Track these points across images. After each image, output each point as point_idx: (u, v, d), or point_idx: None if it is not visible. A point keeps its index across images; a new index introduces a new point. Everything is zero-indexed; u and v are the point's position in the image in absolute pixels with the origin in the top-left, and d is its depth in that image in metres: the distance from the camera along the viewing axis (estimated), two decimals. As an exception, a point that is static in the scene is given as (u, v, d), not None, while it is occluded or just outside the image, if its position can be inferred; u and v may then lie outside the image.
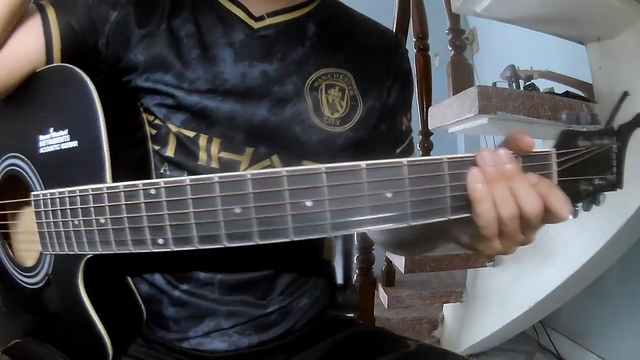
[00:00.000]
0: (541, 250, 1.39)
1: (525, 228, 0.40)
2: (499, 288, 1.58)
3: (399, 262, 1.60)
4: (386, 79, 0.62)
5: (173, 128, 0.55)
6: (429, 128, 1.52)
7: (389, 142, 0.64)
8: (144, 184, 0.39)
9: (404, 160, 0.36)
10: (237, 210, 0.37)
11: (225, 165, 0.55)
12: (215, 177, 0.37)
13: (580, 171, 0.41)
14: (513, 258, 1.53)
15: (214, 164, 0.55)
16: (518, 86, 1.62)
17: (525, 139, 0.39)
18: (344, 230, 0.37)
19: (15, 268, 0.57)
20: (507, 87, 1.63)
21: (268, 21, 0.57)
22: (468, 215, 0.38)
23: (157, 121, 0.56)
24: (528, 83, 1.57)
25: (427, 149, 1.63)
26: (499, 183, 0.37)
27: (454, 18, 1.57)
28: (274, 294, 0.60)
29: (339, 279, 0.86)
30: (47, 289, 0.52)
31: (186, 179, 0.37)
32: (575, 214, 0.44)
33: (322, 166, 0.36)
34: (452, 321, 1.87)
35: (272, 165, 0.56)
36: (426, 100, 1.61)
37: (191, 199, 0.38)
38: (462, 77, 1.54)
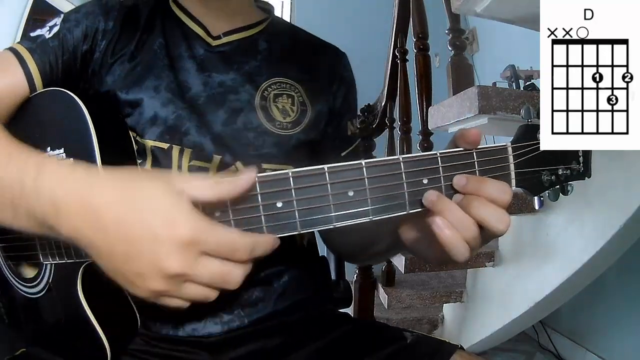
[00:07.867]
0: (541, 250, 1.39)
1: (488, 238, 0.43)
2: (499, 288, 1.58)
3: (399, 262, 1.60)
4: (331, 86, 0.69)
5: (149, 143, 0.59)
6: (429, 128, 1.51)
7: (335, 144, 0.70)
8: None
9: (363, 162, 0.41)
10: (217, 214, 0.41)
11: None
12: None
13: (541, 162, 0.44)
14: (513, 258, 1.53)
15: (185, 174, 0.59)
16: (518, 86, 1.63)
17: (471, 131, 0.41)
18: (312, 227, 0.41)
19: (17, 279, 0.59)
20: (507, 87, 1.63)
21: (225, 39, 0.65)
22: (425, 209, 0.42)
23: (138, 137, 0.60)
24: (528, 83, 1.57)
25: (426, 148, 1.60)
26: (459, 211, 0.41)
27: (454, 18, 1.56)
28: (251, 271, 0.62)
29: (332, 275, 0.87)
30: (48, 297, 0.55)
31: None
32: (540, 203, 0.45)
33: (289, 171, 0.40)
34: (452, 321, 1.87)
35: (237, 172, 0.59)
36: (426, 100, 1.60)
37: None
38: (462, 77, 1.53)
